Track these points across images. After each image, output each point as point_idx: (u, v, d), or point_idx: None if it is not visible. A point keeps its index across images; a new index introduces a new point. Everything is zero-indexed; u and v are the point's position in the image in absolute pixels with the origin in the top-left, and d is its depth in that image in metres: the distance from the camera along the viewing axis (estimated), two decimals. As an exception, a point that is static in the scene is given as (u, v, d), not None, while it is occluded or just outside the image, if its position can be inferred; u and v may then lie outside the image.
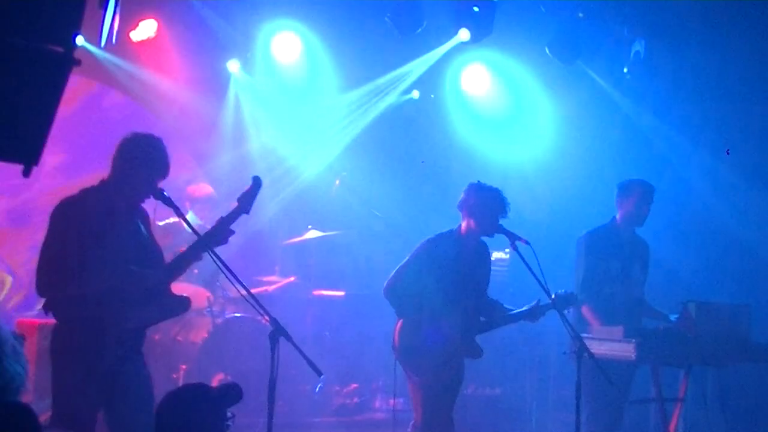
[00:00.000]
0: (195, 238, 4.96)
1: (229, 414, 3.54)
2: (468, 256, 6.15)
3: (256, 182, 5.17)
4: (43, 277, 4.67)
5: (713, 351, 6.34)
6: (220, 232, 4.97)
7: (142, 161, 4.85)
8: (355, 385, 8.51)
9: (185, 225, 4.99)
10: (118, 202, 4.87)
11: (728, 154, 8.37)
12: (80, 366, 4.62)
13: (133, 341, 4.82)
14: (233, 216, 5.03)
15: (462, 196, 6.13)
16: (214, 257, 4.77)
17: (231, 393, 3.53)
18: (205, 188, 8.30)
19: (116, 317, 4.69)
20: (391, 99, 9.51)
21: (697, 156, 8.61)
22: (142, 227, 5.01)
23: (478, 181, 6.14)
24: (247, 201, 5.10)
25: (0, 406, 2.43)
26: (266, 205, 8.37)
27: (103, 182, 4.89)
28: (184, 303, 4.98)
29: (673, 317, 6.68)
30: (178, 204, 4.96)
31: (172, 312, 5.02)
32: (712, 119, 8.75)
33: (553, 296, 5.94)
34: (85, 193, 4.85)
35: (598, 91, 9.28)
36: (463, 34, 8.86)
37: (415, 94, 9.75)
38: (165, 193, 4.87)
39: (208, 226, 7.63)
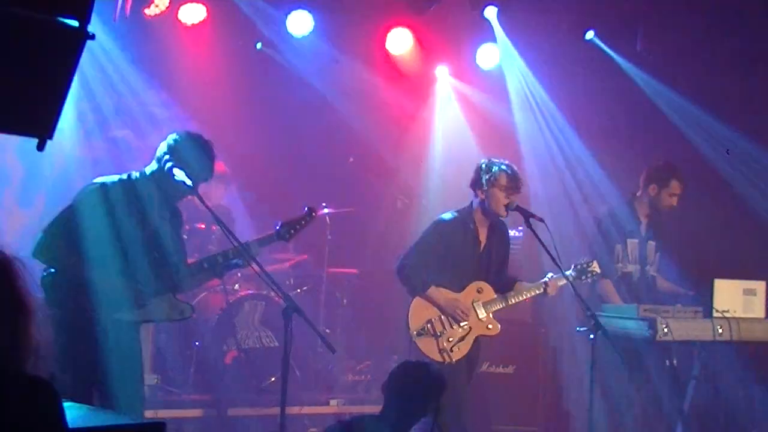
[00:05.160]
0: (208, 214, 4.92)
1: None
2: (481, 234, 6.11)
3: (308, 214, 5.09)
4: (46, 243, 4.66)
5: (728, 329, 6.30)
6: (246, 252, 4.85)
7: (189, 161, 4.81)
8: (368, 363, 8.51)
9: (199, 201, 5.00)
10: (158, 195, 4.86)
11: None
12: (68, 345, 4.60)
13: (125, 330, 4.75)
14: (265, 242, 5.00)
15: (473, 174, 6.08)
16: (227, 233, 4.76)
17: (442, 380, 4.33)
18: (218, 166, 8.25)
19: (104, 308, 4.65)
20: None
21: (718, 128, 8.47)
22: (169, 226, 4.94)
23: (489, 159, 6.08)
24: (288, 230, 5.04)
25: (23, 380, 2.40)
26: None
27: (145, 172, 4.88)
28: (185, 311, 4.95)
29: (690, 295, 6.66)
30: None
31: (167, 316, 4.93)
32: (733, 92, 8.59)
33: (575, 266, 6.02)
34: (126, 180, 4.85)
35: (614, 66, 9.18)
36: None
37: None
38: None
39: (223, 203, 7.76)
